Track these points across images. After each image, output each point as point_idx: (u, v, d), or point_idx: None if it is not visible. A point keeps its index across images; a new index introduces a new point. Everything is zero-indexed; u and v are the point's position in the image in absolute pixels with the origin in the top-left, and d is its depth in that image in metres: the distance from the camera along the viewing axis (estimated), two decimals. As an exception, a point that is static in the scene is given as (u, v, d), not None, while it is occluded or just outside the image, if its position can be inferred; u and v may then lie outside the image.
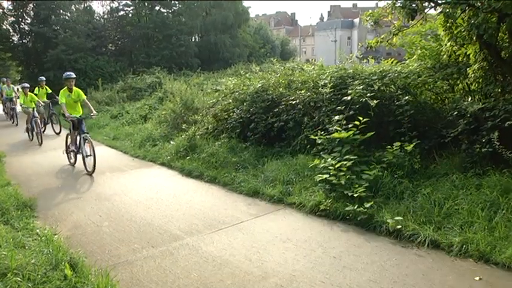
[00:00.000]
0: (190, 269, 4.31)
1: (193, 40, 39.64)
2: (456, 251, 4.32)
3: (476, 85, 6.71)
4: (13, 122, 18.43)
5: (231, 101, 9.78)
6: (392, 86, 7.22)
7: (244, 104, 9.13)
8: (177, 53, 34.77)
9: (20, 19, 32.49)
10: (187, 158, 8.77)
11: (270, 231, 5.20)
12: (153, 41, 35.91)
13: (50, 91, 15.64)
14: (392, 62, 8.06)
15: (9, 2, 31.76)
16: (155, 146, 10.55)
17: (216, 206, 6.24)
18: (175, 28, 35.60)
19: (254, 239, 4.99)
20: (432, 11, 6.88)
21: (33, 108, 13.09)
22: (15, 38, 33.30)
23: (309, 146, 7.22)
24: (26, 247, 4.53)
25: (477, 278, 3.89)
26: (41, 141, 12.48)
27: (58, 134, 14.47)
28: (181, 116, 11.47)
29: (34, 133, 12.89)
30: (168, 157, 9.20)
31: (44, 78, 15.99)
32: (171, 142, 9.97)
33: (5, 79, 20.07)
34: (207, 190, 7.21)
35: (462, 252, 4.29)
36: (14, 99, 19.25)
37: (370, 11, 7.67)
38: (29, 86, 14.08)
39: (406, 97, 6.76)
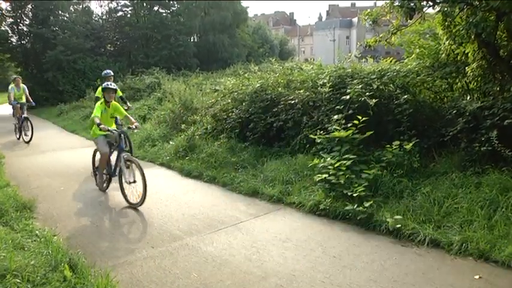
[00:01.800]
0: (190, 269, 4.30)
1: (191, 40, 39.60)
2: (456, 249, 4.32)
3: (475, 84, 6.72)
4: (19, 137, 13.44)
5: (230, 101, 9.77)
6: (391, 85, 7.21)
7: (243, 104, 9.12)
8: (176, 53, 34.78)
9: (19, 20, 32.49)
10: (187, 158, 8.77)
11: (270, 231, 5.20)
12: (152, 42, 35.91)
13: (120, 94, 10.32)
14: (391, 61, 8.06)
15: (8, 3, 31.76)
16: (154, 147, 10.54)
17: (215, 206, 6.24)
18: (173, 28, 35.58)
19: (254, 239, 4.99)
20: (430, 10, 6.89)
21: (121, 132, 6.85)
22: (14, 39, 33.31)
23: (308, 146, 7.22)
24: (26, 248, 4.52)
25: (477, 277, 3.89)
26: (143, 200, 6.24)
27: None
28: (180, 116, 11.46)
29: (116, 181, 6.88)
30: (168, 157, 9.20)
31: (111, 73, 10.57)
32: (170, 142, 9.97)
33: (14, 76, 14.69)
34: (206, 190, 7.21)
35: (462, 251, 4.29)
36: (25, 105, 13.61)
37: (369, 10, 7.68)
38: (115, 88, 7.21)
39: (405, 96, 6.75)
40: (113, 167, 7.05)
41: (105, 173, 7.24)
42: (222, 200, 6.56)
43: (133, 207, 6.36)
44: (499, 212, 4.67)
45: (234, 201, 6.46)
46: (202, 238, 5.11)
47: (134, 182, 6.36)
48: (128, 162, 6.57)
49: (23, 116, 13.20)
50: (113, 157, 7.06)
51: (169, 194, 7.00)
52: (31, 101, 13.75)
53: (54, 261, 4.12)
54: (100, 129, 6.67)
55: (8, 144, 13.04)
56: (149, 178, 8.05)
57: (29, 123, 13.26)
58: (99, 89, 9.06)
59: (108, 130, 6.69)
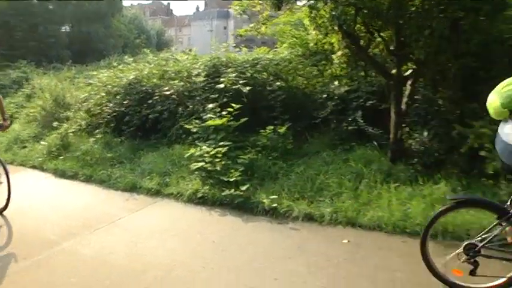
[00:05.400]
0: (68, 275, 4.05)
1: (63, 30, 37.09)
2: (327, 220, 4.70)
3: (342, 70, 7.24)
4: None
5: (104, 94, 9.31)
6: (264, 73, 7.50)
7: (118, 96, 8.79)
8: (46, 45, 32.28)
9: None
10: (61, 158, 8.18)
11: (149, 224, 5.14)
12: (17, 31, 32.81)
13: None
14: (264, 50, 8.35)
15: None
16: (24, 148, 9.68)
17: (92, 205, 5.95)
18: (42, 16, 32.84)
19: (133, 234, 4.87)
20: (299, 2, 7.23)
21: None
22: None
23: (184, 136, 7.18)
24: None
25: (345, 241, 4.30)
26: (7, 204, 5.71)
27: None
28: (52, 113, 10.68)
29: None
30: (40, 159, 8.49)
31: None
32: (42, 142, 9.24)
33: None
34: (83, 190, 6.81)
35: (333, 221, 4.68)
36: None
37: (239, 1, 7.82)
38: None
39: (278, 83, 7.08)
40: None
41: None
42: (100, 198, 6.29)
43: None
44: (363, 182, 5.20)
45: (112, 198, 6.23)
46: (79, 240, 4.84)
47: None
48: None
49: None
50: None
51: (43, 197, 6.47)
52: None
53: None
54: None
55: None
56: (20, 183, 7.44)
57: None
58: None
59: None
